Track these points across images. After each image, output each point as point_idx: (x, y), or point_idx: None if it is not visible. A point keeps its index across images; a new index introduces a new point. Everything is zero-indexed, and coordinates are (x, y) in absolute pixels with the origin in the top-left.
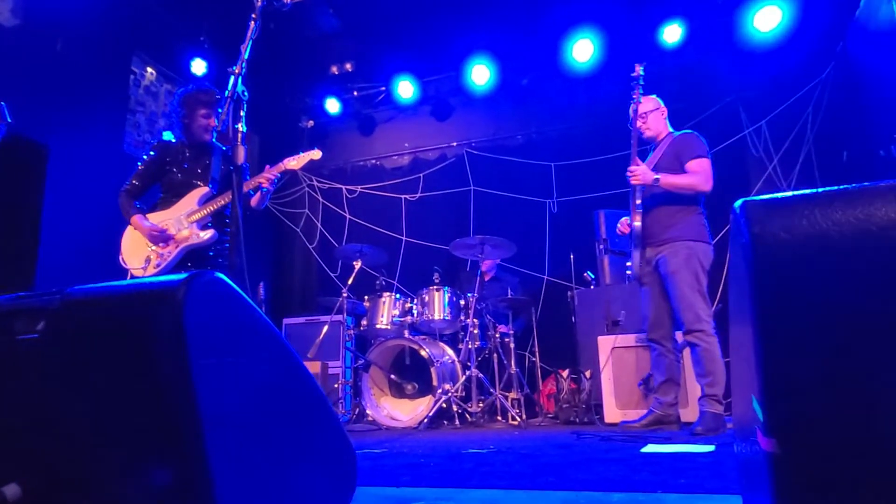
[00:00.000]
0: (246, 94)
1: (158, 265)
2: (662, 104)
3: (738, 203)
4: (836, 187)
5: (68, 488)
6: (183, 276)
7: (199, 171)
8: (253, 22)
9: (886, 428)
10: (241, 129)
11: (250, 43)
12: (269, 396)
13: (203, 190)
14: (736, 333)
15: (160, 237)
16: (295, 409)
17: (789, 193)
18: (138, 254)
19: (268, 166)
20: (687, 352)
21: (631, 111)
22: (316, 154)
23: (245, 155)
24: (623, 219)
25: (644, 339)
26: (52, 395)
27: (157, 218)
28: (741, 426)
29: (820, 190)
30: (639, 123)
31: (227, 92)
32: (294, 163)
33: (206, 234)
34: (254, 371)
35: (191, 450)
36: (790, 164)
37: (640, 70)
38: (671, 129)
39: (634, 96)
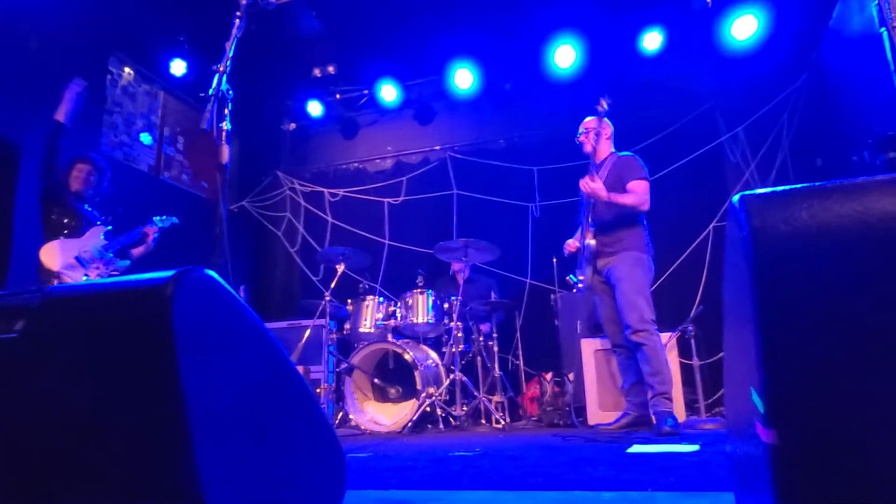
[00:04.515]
0: (231, 92)
1: None
2: (609, 125)
3: (736, 197)
4: (833, 181)
5: (50, 488)
6: (171, 272)
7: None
8: (238, 20)
9: (885, 420)
10: (225, 127)
11: (235, 41)
12: (258, 395)
13: (103, 228)
14: (731, 330)
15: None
16: (284, 409)
17: (787, 187)
18: (75, 268)
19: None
20: None
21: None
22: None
23: (229, 154)
24: (568, 241)
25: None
26: (31, 394)
27: (77, 245)
28: (735, 423)
29: (818, 184)
30: (581, 139)
31: (210, 90)
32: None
33: (124, 263)
34: (242, 369)
35: (179, 449)
36: (767, 169)
37: (605, 105)
38: (613, 150)
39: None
